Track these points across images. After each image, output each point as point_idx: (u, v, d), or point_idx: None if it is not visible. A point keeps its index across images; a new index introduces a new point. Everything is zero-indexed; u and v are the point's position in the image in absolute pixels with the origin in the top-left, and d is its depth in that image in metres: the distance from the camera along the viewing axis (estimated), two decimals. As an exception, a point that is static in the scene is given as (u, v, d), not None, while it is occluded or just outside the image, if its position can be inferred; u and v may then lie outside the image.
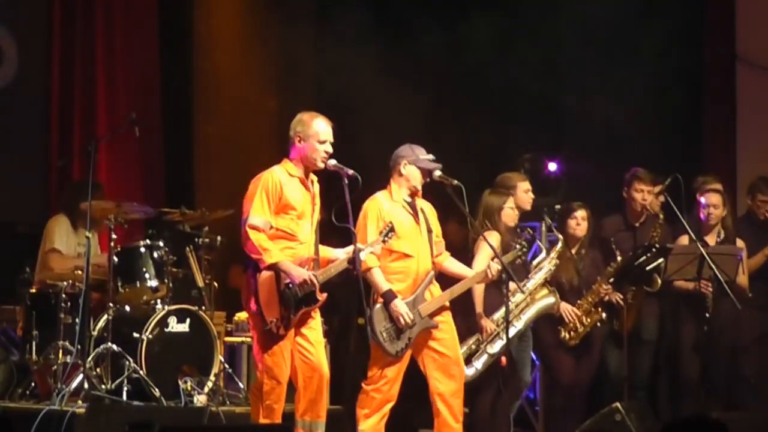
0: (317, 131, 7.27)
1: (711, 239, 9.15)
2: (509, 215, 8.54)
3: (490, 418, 8.52)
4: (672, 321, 9.36)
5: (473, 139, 10.77)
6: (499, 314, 8.31)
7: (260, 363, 7.24)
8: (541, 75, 10.91)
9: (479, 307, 8.35)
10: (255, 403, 7.31)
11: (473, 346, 8.33)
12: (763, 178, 9.71)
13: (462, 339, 8.18)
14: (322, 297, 7.26)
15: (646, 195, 9.29)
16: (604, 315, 8.94)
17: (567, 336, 8.88)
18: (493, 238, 8.22)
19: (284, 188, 7.20)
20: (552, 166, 10.70)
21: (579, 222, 9.01)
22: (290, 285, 7.15)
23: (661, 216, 9.36)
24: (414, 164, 7.82)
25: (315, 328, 7.32)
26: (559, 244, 8.77)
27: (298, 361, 7.25)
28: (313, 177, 7.38)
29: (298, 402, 7.28)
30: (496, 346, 8.30)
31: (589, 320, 8.90)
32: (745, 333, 9.33)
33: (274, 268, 7.12)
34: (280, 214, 7.20)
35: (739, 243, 9.29)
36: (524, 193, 8.81)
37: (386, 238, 7.52)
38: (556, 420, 9.28)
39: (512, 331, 8.40)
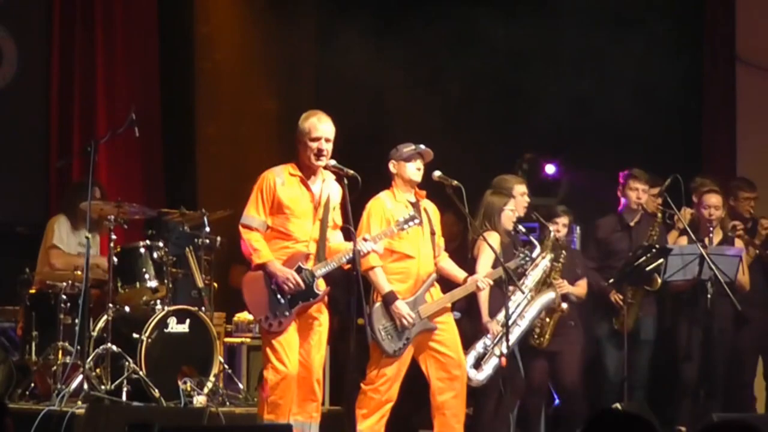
0: (309, 128, 7.28)
1: (715, 239, 9.16)
2: (509, 217, 8.52)
3: (494, 421, 8.50)
4: (671, 321, 9.36)
5: (473, 139, 10.77)
6: (503, 315, 8.28)
7: (264, 358, 7.28)
8: (539, 75, 10.91)
9: (485, 310, 8.34)
10: (261, 400, 7.30)
11: (480, 350, 8.31)
12: (741, 179, 9.76)
13: (469, 343, 8.18)
14: (321, 291, 7.26)
15: (640, 194, 9.29)
16: (565, 307, 8.85)
17: (537, 341, 8.81)
18: (493, 238, 8.21)
19: (279, 188, 7.24)
20: (550, 169, 10.69)
21: (559, 229, 8.97)
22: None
23: (659, 216, 9.36)
24: (399, 159, 7.84)
25: (317, 330, 7.32)
26: (548, 241, 8.75)
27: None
28: (328, 176, 7.39)
29: (292, 402, 7.28)
30: (503, 348, 8.29)
31: (551, 319, 8.83)
32: (745, 334, 9.34)
33: (262, 268, 7.17)
34: (276, 213, 7.25)
35: (738, 243, 9.30)
36: (521, 196, 8.76)
37: (406, 226, 7.51)
38: (558, 421, 9.28)
39: (517, 331, 8.40)
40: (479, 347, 8.30)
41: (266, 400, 7.20)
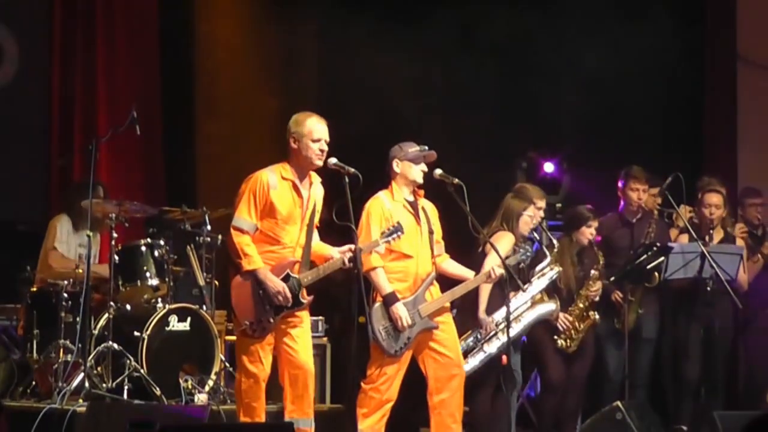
0: (310, 129, 7.26)
1: (716, 237, 9.16)
2: (526, 222, 8.48)
3: (490, 416, 8.50)
4: (672, 319, 9.36)
5: (475, 136, 10.77)
6: (500, 314, 8.27)
7: (237, 361, 7.30)
8: (540, 75, 10.91)
9: (483, 305, 8.32)
10: (237, 401, 7.37)
11: (471, 343, 8.31)
12: (748, 188, 9.82)
13: (458, 335, 8.16)
14: (306, 299, 7.27)
15: (641, 194, 9.31)
16: (597, 317, 8.89)
17: (564, 344, 8.82)
18: (507, 239, 8.21)
19: (271, 191, 7.20)
20: (549, 167, 10.68)
21: (593, 232, 8.98)
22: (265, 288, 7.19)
23: (656, 213, 9.37)
24: (404, 159, 7.83)
25: (301, 326, 7.31)
26: (555, 250, 8.73)
27: (284, 359, 7.27)
28: (315, 179, 7.38)
29: (285, 400, 7.29)
30: (493, 346, 8.28)
31: (583, 325, 8.85)
32: (750, 336, 9.37)
33: (252, 274, 7.16)
34: (266, 217, 7.22)
35: (739, 242, 9.31)
36: (537, 209, 8.72)
37: (390, 239, 7.51)
38: (556, 419, 9.26)
39: (511, 333, 8.37)
40: (470, 340, 8.29)
41: (242, 404, 7.26)
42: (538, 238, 8.64)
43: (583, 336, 8.87)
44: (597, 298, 8.90)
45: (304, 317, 7.35)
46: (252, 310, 7.18)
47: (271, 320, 7.18)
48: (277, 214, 7.21)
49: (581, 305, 8.85)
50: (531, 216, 8.49)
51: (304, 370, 7.26)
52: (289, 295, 7.15)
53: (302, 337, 7.30)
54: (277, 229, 7.23)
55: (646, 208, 9.46)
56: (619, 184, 9.39)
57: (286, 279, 7.18)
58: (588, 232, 8.93)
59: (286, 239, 7.25)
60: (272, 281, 7.14)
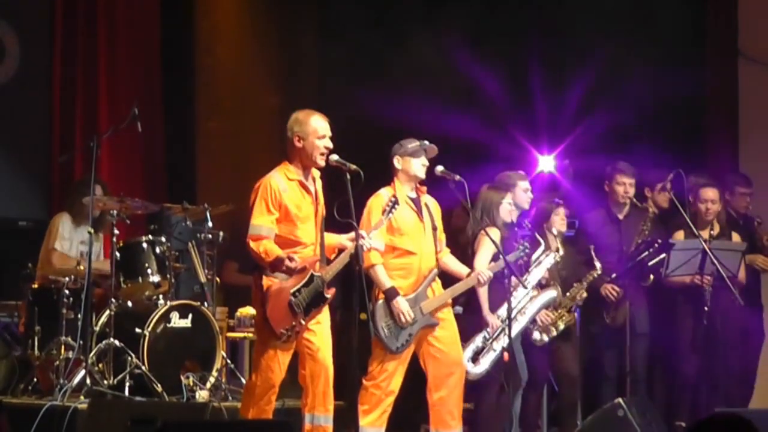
0: (315, 128, 7.25)
1: (706, 234, 9.15)
2: (507, 211, 8.50)
3: (495, 415, 8.50)
4: (670, 316, 9.35)
5: (477, 131, 10.77)
6: (503, 310, 8.26)
7: (255, 363, 7.28)
8: (541, 71, 10.92)
9: (485, 304, 8.33)
10: (246, 401, 7.33)
11: (479, 344, 8.30)
12: (739, 174, 9.77)
13: (468, 337, 8.17)
14: (330, 293, 7.26)
15: (628, 188, 9.28)
16: (576, 316, 8.85)
17: (538, 338, 8.79)
18: (493, 234, 8.20)
19: (283, 195, 7.16)
20: (547, 164, 10.68)
21: (563, 218, 8.95)
22: (297, 293, 7.16)
23: (650, 210, 9.34)
24: (404, 155, 7.83)
25: (322, 322, 7.31)
26: (560, 251, 8.72)
27: (305, 356, 7.26)
28: (315, 174, 7.37)
29: (306, 397, 7.26)
30: (501, 343, 8.28)
31: (561, 324, 8.82)
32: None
33: (277, 262, 7.07)
34: (283, 221, 7.18)
35: (736, 238, 9.30)
36: (523, 192, 8.74)
37: (391, 213, 7.51)
38: (557, 415, 9.27)
39: (516, 326, 8.39)
40: (478, 341, 8.29)
41: (255, 406, 7.23)
42: (529, 226, 8.61)
43: (562, 332, 8.84)
44: (581, 303, 8.90)
45: (324, 312, 7.33)
46: (288, 317, 7.13)
47: (302, 321, 7.16)
48: (293, 216, 7.18)
49: (566, 305, 8.83)
50: (510, 203, 8.50)
51: (325, 366, 7.25)
52: (311, 259, 7.11)
53: (322, 334, 7.28)
54: (296, 231, 7.20)
55: (659, 205, 9.46)
56: (606, 179, 9.38)
57: (310, 279, 7.16)
58: (557, 220, 8.90)
59: (305, 238, 7.23)
60: (296, 261, 7.06)
